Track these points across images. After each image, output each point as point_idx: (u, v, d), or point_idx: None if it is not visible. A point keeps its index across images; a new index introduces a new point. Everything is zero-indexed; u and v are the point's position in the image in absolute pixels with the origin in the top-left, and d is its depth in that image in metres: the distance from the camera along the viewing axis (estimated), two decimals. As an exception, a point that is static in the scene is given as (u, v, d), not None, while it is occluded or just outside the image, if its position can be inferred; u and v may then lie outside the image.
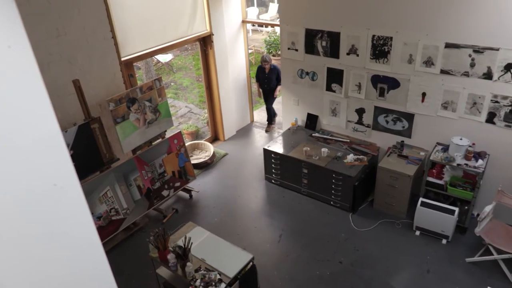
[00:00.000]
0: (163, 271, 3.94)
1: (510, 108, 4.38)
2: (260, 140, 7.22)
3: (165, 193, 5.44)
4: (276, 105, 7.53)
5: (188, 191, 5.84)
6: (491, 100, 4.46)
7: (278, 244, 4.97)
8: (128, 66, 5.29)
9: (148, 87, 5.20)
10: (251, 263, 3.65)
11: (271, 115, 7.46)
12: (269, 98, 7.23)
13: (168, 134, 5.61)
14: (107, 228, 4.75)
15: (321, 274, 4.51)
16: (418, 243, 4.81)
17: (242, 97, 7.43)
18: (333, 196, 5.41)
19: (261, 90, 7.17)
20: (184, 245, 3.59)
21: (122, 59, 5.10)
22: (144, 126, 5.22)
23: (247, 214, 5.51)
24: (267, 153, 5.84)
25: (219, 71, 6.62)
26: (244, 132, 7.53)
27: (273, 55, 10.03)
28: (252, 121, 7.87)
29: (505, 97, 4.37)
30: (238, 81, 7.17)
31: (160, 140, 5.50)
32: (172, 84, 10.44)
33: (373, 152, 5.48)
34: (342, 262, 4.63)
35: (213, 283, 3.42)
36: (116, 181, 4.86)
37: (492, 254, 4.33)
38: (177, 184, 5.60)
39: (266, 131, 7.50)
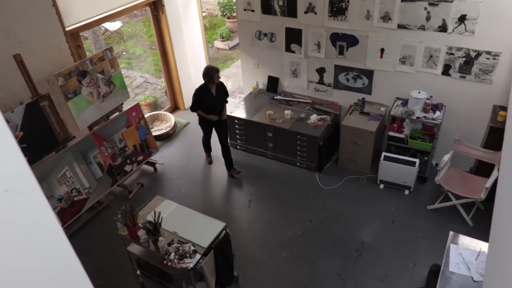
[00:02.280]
0: (134, 248, 3.86)
1: (464, 59, 4.50)
2: (221, 106, 7.07)
3: (128, 168, 5.26)
4: (236, 70, 7.32)
5: (152, 164, 5.68)
6: (447, 53, 4.56)
7: (248, 209, 5.00)
8: (74, 37, 4.90)
9: (99, 58, 4.87)
10: (224, 231, 3.64)
11: (230, 157, 5.46)
12: (222, 128, 5.27)
13: (126, 107, 5.36)
14: (70, 210, 4.56)
15: (292, 234, 4.60)
16: (382, 196, 5.00)
17: (200, 63, 7.17)
18: (299, 158, 5.46)
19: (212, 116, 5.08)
20: (154, 220, 3.50)
21: (67, 29, 4.71)
22: (98, 100, 4.93)
23: (214, 182, 5.47)
24: (230, 119, 5.73)
25: (173, 37, 6.31)
26: (205, 99, 7.33)
27: (228, 17, 9.71)
28: (212, 87, 7.66)
29: (459, 49, 4.47)
30: (194, 46, 6.89)
31: (117, 113, 5.24)
32: (124, 53, 9.91)
33: (336, 111, 5.52)
34: (312, 221, 4.74)
35: (188, 255, 3.38)
36: (74, 160, 4.62)
37: (451, 200, 4.58)
38: (140, 158, 5.42)
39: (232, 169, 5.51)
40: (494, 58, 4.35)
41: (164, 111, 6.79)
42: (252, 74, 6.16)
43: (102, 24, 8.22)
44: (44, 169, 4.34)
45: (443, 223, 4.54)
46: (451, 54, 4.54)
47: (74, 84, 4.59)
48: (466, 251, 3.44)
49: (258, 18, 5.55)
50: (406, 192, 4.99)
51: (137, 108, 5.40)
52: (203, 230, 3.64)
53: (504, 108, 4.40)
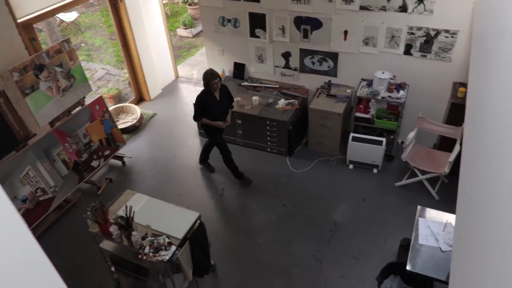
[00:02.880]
0: (107, 245, 3.77)
1: (424, 38, 4.62)
2: (188, 95, 6.96)
3: (95, 163, 5.10)
4: (201, 58, 7.20)
5: (120, 158, 5.54)
6: (408, 32, 4.66)
7: (221, 198, 4.98)
8: (27, 29, 4.64)
9: (56, 50, 4.65)
10: (198, 221, 3.62)
11: (233, 165, 5.03)
12: (221, 131, 4.89)
13: (88, 101, 5.16)
14: (36, 210, 4.38)
15: (267, 219, 4.64)
16: (352, 176, 5.11)
17: (163, 52, 7.01)
18: (269, 143, 5.47)
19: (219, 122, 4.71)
20: (126, 214, 3.43)
21: (18, 20, 4.45)
22: (58, 94, 4.72)
23: (186, 173, 5.40)
24: (198, 108, 5.65)
25: (133, 26, 6.11)
26: (171, 89, 7.19)
27: (190, 4, 9.49)
28: (177, 76, 7.52)
29: (419, 28, 4.58)
30: (156, 35, 6.70)
31: (79, 108, 5.05)
32: (82, 45, 9.51)
33: (303, 95, 5.55)
34: (285, 205, 4.79)
35: (163, 247, 3.34)
36: (37, 158, 4.42)
37: (417, 176, 4.74)
38: (107, 152, 5.27)
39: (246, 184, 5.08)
40: (453, 36, 4.49)
41: (129, 103, 6.60)
42: (218, 61, 6.08)
43: (57, 15, 7.84)
44: (5, 169, 4.13)
45: (411, 198, 4.70)
46: (412, 33, 4.65)
47: (31, 79, 4.37)
48: (433, 223, 3.59)
49: (221, 4, 5.45)
50: (375, 170, 5.12)
51: (100, 101, 5.22)
52: (177, 221, 3.60)
53: (464, 85, 4.56)
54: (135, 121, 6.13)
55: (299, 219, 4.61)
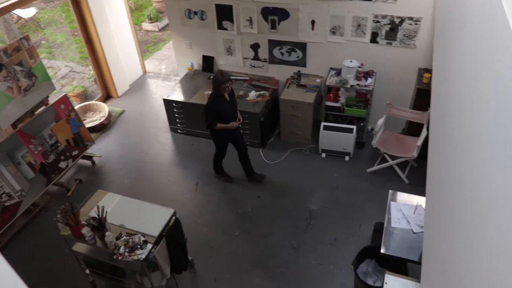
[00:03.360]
0: (80, 247, 3.67)
1: (389, 26, 4.70)
2: (157, 91, 6.83)
3: (62, 164, 4.94)
4: (168, 52, 7.06)
5: (89, 157, 5.38)
6: (373, 21, 4.73)
7: (196, 193, 4.94)
8: (-19, 26, 4.41)
9: (14, 48, 4.44)
10: (173, 218, 3.57)
11: (249, 163, 4.95)
12: (238, 132, 4.73)
13: (52, 100, 4.97)
14: (2, 216, 4.21)
15: (243, 212, 4.64)
16: (325, 164, 5.18)
17: (129, 47, 6.83)
18: (242, 136, 5.45)
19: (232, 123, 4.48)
20: (98, 215, 3.34)
21: (-29, 18, 4.22)
22: (20, 94, 4.53)
23: (158, 169, 5.32)
24: (168, 103, 5.57)
25: (96, 21, 5.91)
26: (139, 85, 7.03)
27: (154, -3, 9.27)
28: (145, 71, 7.36)
29: (384, 16, 4.66)
30: (121, 30, 6.52)
31: (43, 107, 4.86)
32: (43, 42, 9.14)
33: (273, 86, 5.56)
34: (260, 197, 4.81)
35: (139, 246, 3.29)
36: (0, 162, 4.23)
37: (387, 161, 4.86)
38: (75, 152, 5.11)
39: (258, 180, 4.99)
40: (416, 24, 4.59)
41: (96, 100, 6.42)
42: (186, 55, 5.99)
43: (13, 12, 7.49)
44: (-34, 175, 3.93)
45: (383, 183, 4.81)
46: (377, 22, 4.72)
47: (-11, 79, 4.16)
48: (405, 206, 3.69)
49: (186, -4, 5.36)
50: (347, 158, 5.21)
51: (65, 100, 5.04)
52: (152, 219, 3.55)
53: (428, 70, 4.69)
54: (103, 119, 5.97)
55: (274, 209, 4.64)
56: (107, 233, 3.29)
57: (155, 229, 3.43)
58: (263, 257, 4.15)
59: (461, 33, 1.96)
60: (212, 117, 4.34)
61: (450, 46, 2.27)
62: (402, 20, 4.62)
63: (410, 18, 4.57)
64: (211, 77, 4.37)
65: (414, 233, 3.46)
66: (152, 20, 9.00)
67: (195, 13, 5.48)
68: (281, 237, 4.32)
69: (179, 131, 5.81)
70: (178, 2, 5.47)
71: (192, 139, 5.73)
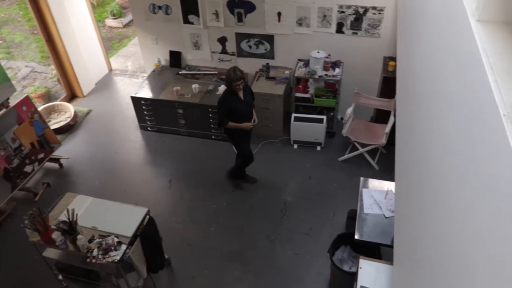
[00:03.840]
0: (51, 253, 3.56)
1: (354, 16, 4.77)
2: (124, 88, 6.68)
3: (28, 169, 4.76)
4: (134, 48, 6.88)
5: (56, 160, 5.21)
6: (338, 11, 4.78)
7: (169, 190, 4.89)
8: None
9: (-32, 49, 4.21)
10: (147, 217, 3.52)
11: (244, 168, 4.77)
12: (248, 135, 4.52)
13: (13, 102, 4.77)
14: (-35, 226, 4.02)
15: (218, 207, 4.63)
16: (297, 155, 5.23)
17: (93, 44, 6.63)
18: (213, 130, 5.43)
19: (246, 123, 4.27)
20: (69, 218, 3.25)
21: None
22: (-23, 98, 4.31)
23: (129, 169, 5.21)
24: (136, 100, 5.45)
25: (57, 19, 5.69)
26: (105, 83, 6.85)
27: (116, -8, 9.01)
28: (111, 69, 7.17)
29: (348, 7, 4.72)
30: (83, 27, 6.31)
31: (4, 110, 4.65)
32: (0, 42, 8.73)
33: (243, 79, 5.53)
34: (234, 191, 4.81)
35: (112, 248, 3.22)
36: (-41, 170, 4.03)
37: (358, 149, 4.96)
38: (41, 155, 4.93)
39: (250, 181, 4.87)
40: (380, 13, 4.68)
41: (60, 101, 6.20)
42: (152, 51, 5.87)
43: (-34, 10, 7.09)
44: None
45: (354, 171, 4.91)
46: (342, 12, 4.78)
47: None
48: (376, 192, 3.78)
49: (149, -10, 5.24)
50: (318, 148, 5.28)
51: (27, 101, 4.84)
52: (125, 219, 3.48)
53: (393, 59, 4.80)
54: (69, 119, 5.78)
55: (249, 202, 4.65)
56: (79, 237, 3.20)
57: (128, 230, 3.37)
58: (240, 250, 4.16)
59: (422, 21, 2.01)
60: (223, 114, 4.13)
61: (412, 34, 2.33)
62: (366, 10, 4.69)
63: (374, 8, 4.66)
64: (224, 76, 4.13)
65: (386, 218, 3.56)
66: (115, 16, 8.76)
67: (160, 7, 5.37)
68: (257, 230, 4.34)
69: (149, 128, 5.71)
70: (141, -3, 5.34)
71: (163, 136, 5.65)
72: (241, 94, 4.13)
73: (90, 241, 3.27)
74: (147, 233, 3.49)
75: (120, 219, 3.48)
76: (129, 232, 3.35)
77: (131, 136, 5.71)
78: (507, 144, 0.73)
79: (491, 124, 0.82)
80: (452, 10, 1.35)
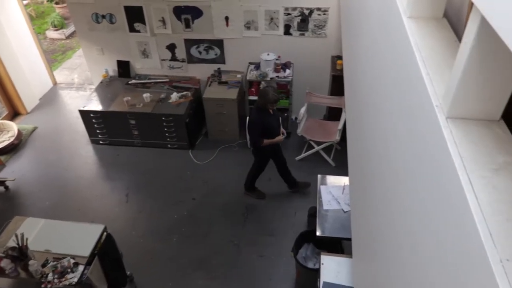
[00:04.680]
0: (1, 282, 3.33)
1: (300, 17, 4.88)
2: (71, 102, 6.40)
3: (-30, 194, 4.43)
4: (79, 60, 6.59)
5: (1, 182, 4.89)
6: (284, 13, 4.87)
7: (127, 204, 4.74)
8: None
9: None
10: (105, 234, 3.39)
11: (290, 174, 4.68)
12: (278, 147, 4.48)
13: None
14: None
15: (179, 216, 4.55)
16: (255, 158, 5.24)
17: (33, 58, 6.30)
18: (168, 139, 5.33)
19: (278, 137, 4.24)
20: (18, 244, 3.06)
21: None
22: None
23: (82, 185, 5.00)
24: (85, 114, 5.24)
25: (-9, 32, 5.36)
26: (50, 98, 6.53)
27: (57, 3, 8.64)
28: (56, 83, 6.85)
29: (294, 8, 4.82)
30: (21, 40, 5.99)
31: None
32: None
33: (195, 86, 5.49)
34: (195, 198, 4.74)
35: (69, 270, 3.07)
36: None
37: (313, 148, 5.06)
38: (-17, 179, 4.61)
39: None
40: (324, 14, 4.81)
41: (2, 119, 5.84)
42: (99, 62, 5.68)
43: None
44: None
45: (312, 169, 4.99)
46: (289, 14, 4.87)
47: None
48: (333, 188, 3.87)
49: (91, 0, 5.06)
50: (275, 149, 5.32)
51: (-37, 122, 4.52)
52: (80, 238, 3.34)
53: (340, 57, 4.94)
54: (12, 139, 5.45)
55: (211, 209, 4.61)
56: (31, 262, 3.02)
57: (85, 249, 3.24)
58: (205, 258, 4.11)
59: (362, 19, 2.08)
60: (258, 133, 4.07)
61: (354, 33, 2.41)
62: (311, 11, 4.81)
63: (319, 9, 4.78)
64: (260, 90, 3.98)
65: (344, 212, 3.65)
66: (57, 27, 8.39)
67: (103, 16, 5.21)
68: (220, 236, 4.31)
69: (101, 142, 5.51)
70: (83, 7, 5.15)
71: (116, 149, 5.47)
72: (271, 109, 4.09)
73: (44, 265, 3.10)
74: (106, 251, 3.36)
75: (76, 239, 3.33)
76: (86, 252, 3.22)
77: (82, 151, 5.48)
78: (440, 132, 0.77)
79: (426, 114, 0.86)
80: (386, 8, 1.41)
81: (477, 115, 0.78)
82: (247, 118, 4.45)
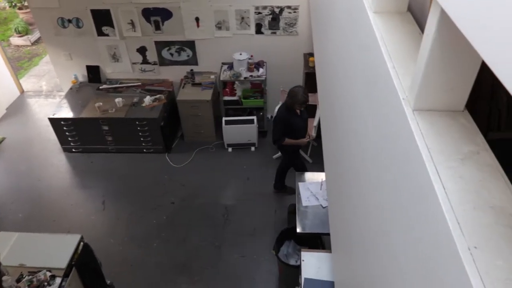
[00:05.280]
0: (-27, 300, 3.20)
1: (271, 16, 4.89)
2: (41, 110, 6.22)
3: None
4: (47, 66, 6.42)
5: (-30, 197, 4.71)
6: (255, 12, 4.87)
7: (104, 212, 4.64)
8: None
9: None
10: (81, 243, 3.30)
11: (284, 178, 4.71)
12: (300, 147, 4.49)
13: None
14: None
15: (158, 221, 4.48)
16: (233, 158, 5.24)
17: (-2, 66, 6.09)
18: (143, 143, 5.25)
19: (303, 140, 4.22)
20: (-10, 260, 2.94)
21: None
22: None
23: (57, 195, 4.86)
24: (55, 122, 5.10)
25: (-50, 41, 5.14)
26: (17, 107, 6.32)
27: (20, 8, 8.36)
28: (23, 91, 6.63)
29: (264, 7, 4.82)
30: (-16, 48, 5.77)
31: None
32: None
33: (168, 88, 5.43)
34: (174, 202, 4.69)
35: (45, 283, 2.98)
36: None
37: (290, 145, 5.08)
38: (-50, 194, 4.42)
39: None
40: (295, 11, 4.84)
41: (-33, 131, 5.62)
42: (67, 67, 5.53)
43: None
44: None
45: (289, 166, 5.02)
46: (259, 13, 4.87)
47: None
48: (311, 184, 3.90)
49: (56, 4, 4.92)
50: (252, 148, 5.33)
51: None
52: (56, 250, 3.24)
53: (313, 55, 4.98)
54: (-21, 151, 5.25)
55: (190, 212, 4.57)
56: (4, 278, 2.91)
57: (62, 261, 3.14)
58: (187, 262, 4.06)
59: (331, 16, 2.10)
60: (281, 131, 4.01)
61: (323, 29, 2.43)
62: (281, 10, 4.83)
63: (289, 7, 4.80)
64: (290, 90, 3.93)
65: (323, 207, 3.68)
66: (21, 33, 8.12)
67: (69, 21, 5.08)
68: (201, 238, 4.27)
69: (73, 150, 5.37)
70: (47, 11, 5.00)
71: (90, 156, 5.34)
72: (298, 110, 4.02)
73: (18, 280, 2.99)
74: (84, 261, 3.28)
75: (51, 251, 3.23)
76: (63, 263, 3.12)
77: (54, 160, 5.33)
78: (408, 125, 0.78)
79: (393, 108, 0.87)
80: (353, 4, 1.42)
81: (442, 106, 0.79)
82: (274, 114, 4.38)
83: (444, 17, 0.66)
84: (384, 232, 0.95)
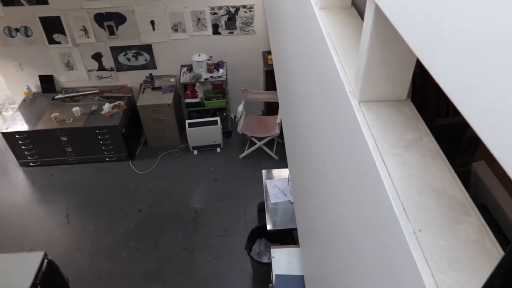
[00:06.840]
0: None
1: (227, 16, 4.88)
2: (-7, 125, 5.91)
3: None
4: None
5: None
6: (211, 13, 4.85)
7: (68, 225, 4.48)
8: None
9: None
10: (45, 261, 3.18)
11: None
12: None
13: None
14: None
15: (126, 230, 4.38)
16: (199, 161, 5.20)
17: None
18: (105, 152, 5.11)
19: None
20: None
21: None
22: None
23: (16, 213, 4.64)
24: (9, 136, 4.86)
25: None
26: (-33, 123, 5.98)
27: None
28: (-28, 106, 6.29)
29: (220, 7, 4.81)
30: None
31: None
32: None
33: (128, 94, 5.30)
34: (141, 210, 4.60)
35: (9, 306, 2.84)
36: None
37: (255, 144, 5.10)
38: None
39: None
40: (250, 11, 4.86)
41: None
42: (18, 78, 5.28)
43: None
44: None
45: (256, 164, 5.04)
46: (215, 13, 4.85)
47: None
48: (279, 181, 3.94)
49: (1, 12, 4.69)
50: (218, 149, 5.31)
51: None
52: (19, 270, 3.10)
53: (271, 52, 5.02)
54: None
55: (159, 218, 4.49)
56: (-37, 304, 2.76)
57: (25, 280, 3.01)
58: (159, 269, 4.00)
59: (282, 13, 2.13)
60: None
61: (277, 26, 2.45)
62: (237, 9, 4.83)
63: (244, 6, 4.81)
64: None
65: (291, 203, 3.73)
66: (-34, 45, 7.67)
67: (17, 29, 4.86)
68: (172, 244, 4.22)
69: (31, 164, 5.15)
70: (-8, 21, 4.77)
71: (49, 169, 5.14)
72: None
73: (-22, 305, 2.84)
74: (49, 279, 3.15)
75: (13, 272, 3.09)
76: (27, 283, 2.99)
77: (11, 176, 5.09)
78: (354, 116, 0.80)
79: (341, 101, 0.89)
80: (301, 1, 1.45)
81: (386, 96, 0.82)
82: None
83: (379, 12, 0.69)
84: (341, 222, 0.97)
